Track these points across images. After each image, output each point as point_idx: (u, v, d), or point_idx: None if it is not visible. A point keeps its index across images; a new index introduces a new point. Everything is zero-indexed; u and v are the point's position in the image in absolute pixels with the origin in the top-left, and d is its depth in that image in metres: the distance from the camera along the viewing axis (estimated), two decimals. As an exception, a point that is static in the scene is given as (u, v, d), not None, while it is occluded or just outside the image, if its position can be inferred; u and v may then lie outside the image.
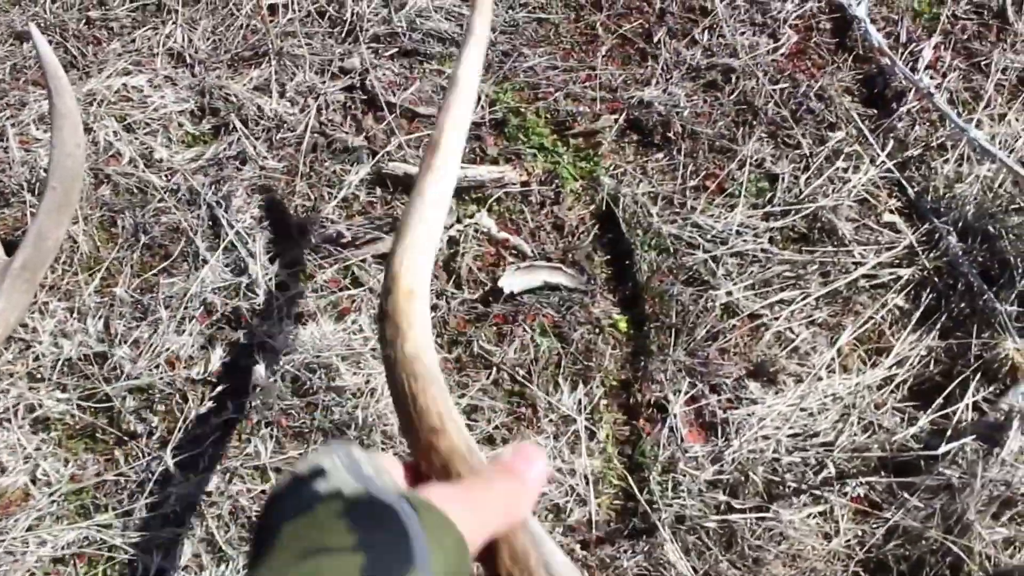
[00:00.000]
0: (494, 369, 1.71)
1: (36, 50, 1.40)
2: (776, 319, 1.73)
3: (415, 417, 0.75)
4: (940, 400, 1.63)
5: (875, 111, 1.99)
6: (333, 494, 0.54)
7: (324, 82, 1.98)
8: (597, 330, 1.75)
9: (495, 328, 1.75)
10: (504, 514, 0.66)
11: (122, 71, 2.03)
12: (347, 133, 1.91)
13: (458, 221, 1.83)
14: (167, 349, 1.68)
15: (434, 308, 1.75)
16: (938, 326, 1.71)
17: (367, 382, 1.65)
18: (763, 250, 1.81)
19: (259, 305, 1.72)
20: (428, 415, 0.75)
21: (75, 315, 1.73)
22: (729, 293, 1.75)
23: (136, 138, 1.91)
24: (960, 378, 1.64)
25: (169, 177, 1.87)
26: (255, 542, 0.55)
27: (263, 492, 1.63)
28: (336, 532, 0.51)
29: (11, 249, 1.48)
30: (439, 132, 1.03)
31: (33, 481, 1.62)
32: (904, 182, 1.87)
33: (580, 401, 1.69)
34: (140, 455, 1.63)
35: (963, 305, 1.70)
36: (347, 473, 0.56)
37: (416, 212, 0.95)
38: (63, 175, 1.47)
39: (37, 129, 1.94)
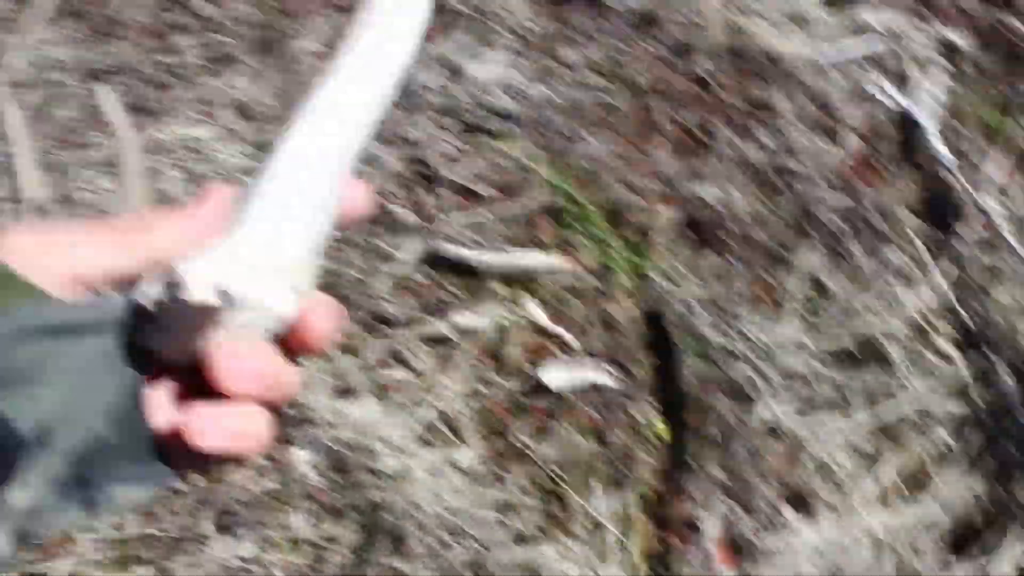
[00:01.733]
0: (531, 464, 1.69)
1: (106, 113, 1.41)
2: (817, 442, 1.71)
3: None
4: (978, 551, 1.60)
5: (936, 229, 1.96)
6: None
7: (384, 149, 1.97)
8: (636, 434, 1.74)
9: (535, 422, 1.74)
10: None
11: (189, 120, 2.03)
12: (403, 207, 1.90)
13: (506, 308, 1.81)
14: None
15: (475, 394, 1.74)
16: (985, 470, 1.68)
17: (404, 469, 1.64)
18: (809, 367, 1.78)
19: (305, 375, 1.72)
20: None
21: None
22: (770, 411, 1.72)
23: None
24: (1004, 530, 1.61)
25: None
26: None
27: (295, 564, 1.62)
28: None
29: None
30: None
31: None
32: (960, 309, 1.84)
33: (613, 508, 1.67)
34: (180, 511, 1.63)
35: (1014, 451, 1.67)
36: None
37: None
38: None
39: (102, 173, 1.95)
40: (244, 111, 2.11)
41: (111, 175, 1.99)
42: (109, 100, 1.39)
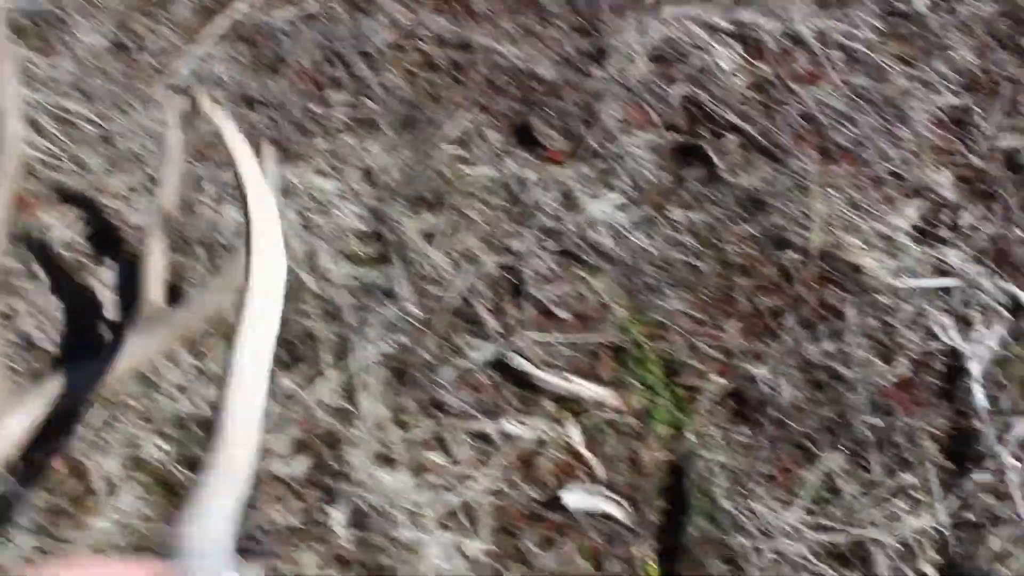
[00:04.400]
0: (529, 569, 1.98)
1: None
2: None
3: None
4: None
5: (953, 464, 2.22)
6: None
7: (484, 251, 2.29)
8: (631, 569, 2.01)
9: (545, 533, 2.02)
10: None
11: (319, 171, 2.37)
12: (488, 310, 2.21)
13: (550, 425, 2.10)
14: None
15: (500, 493, 2.03)
16: None
17: (419, 543, 1.94)
18: (802, 557, 2.05)
19: (355, 435, 2.03)
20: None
21: (199, 375, 2.06)
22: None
23: (309, 238, 2.25)
24: None
25: (322, 288, 2.19)
26: None
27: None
28: None
29: (174, 294, 1.89)
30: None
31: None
32: (951, 541, 2.10)
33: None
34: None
35: None
36: None
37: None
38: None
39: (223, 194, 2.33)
40: (370, 177, 2.45)
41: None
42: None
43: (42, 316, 2.18)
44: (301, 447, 2.02)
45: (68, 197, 2.44)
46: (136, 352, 1.98)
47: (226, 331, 2.04)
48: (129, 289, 2.21)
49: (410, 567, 1.91)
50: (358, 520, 1.96)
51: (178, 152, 2.14)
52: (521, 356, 2.16)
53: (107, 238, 2.36)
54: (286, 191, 2.32)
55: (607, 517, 2.07)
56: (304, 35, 2.72)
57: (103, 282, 2.22)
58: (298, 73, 2.66)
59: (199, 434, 2.02)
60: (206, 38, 2.76)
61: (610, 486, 2.10)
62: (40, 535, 1.92)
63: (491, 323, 2.18)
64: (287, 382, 2.06)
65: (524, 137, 2.49)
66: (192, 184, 2.33)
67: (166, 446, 2.01)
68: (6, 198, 1.98)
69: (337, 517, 1.97)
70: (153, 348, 2.01)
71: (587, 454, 2.10)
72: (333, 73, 2.66)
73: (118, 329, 2.16)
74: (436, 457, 2.04)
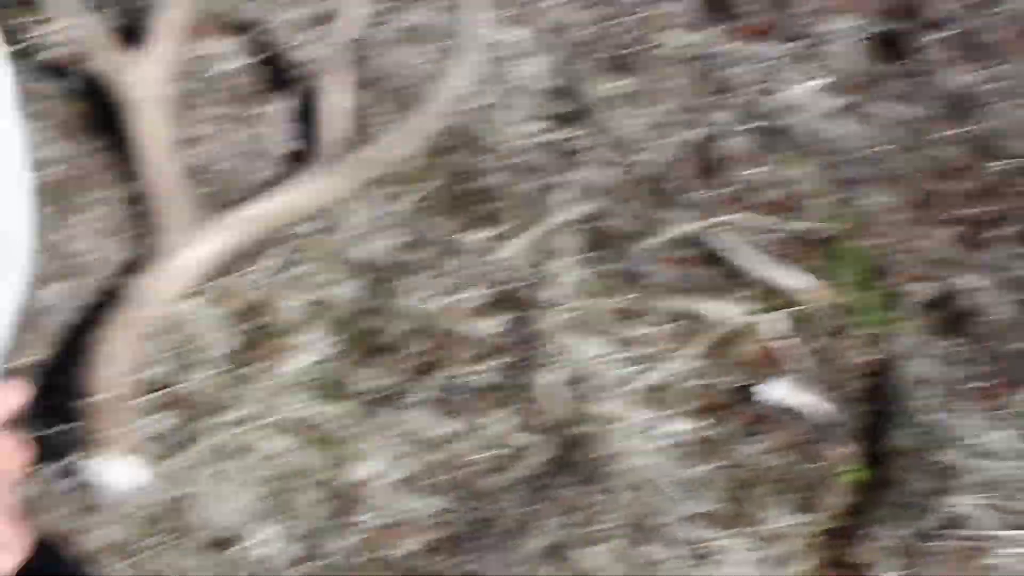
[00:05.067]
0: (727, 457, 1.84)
1: None
2: (998, 555, 1.80)
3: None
4: None
5: None
6: None
7: (679, 124, 2.13)
8: (828, 471, 1.85)
9: (741, 423, 1.87)
10: None
11: (508, 17, 2.20)
12: (684, 185, 2.04)
13: (753, 312, 1.94)
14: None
15: (699, 375, 1.88)
16: None
17: (616, 416, 1.84)
18: (1011, 479, 1.89)
19: (551, 298, 1.88)
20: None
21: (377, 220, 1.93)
22: (962, 505, 1.81)
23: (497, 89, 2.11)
24: None
25: (510, 144, 2.03)
26: None
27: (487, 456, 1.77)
28: None
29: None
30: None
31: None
32: None
33: (790, 528, 1.79)
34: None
35: None
36: None
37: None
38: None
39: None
40: (563, 31, 2.28)
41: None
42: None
43: (217, 144, 2.02)
44: (496, 305, 1.85)
45: (244, 26, 2.31)
46: (314, 191, 1.92)
47: (405, 177, 1.90)
48: (305, 125, 2.05)
49: (605, 441, 1.74)
50: (554, 385, 1.77)
51: None
52: (720, 236, 1.97)
53: (283, 71, 2.22)
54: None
55: (804, 415, 1.88)
56: None
57: (278, 113, 2.06)
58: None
59: (385, 281, 1.86)
60: None
61: (810, 382, 1.92)
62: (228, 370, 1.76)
63: (687, 198, 2.00)
64: (481, 238, 1.89)
65: (720, 5, 2.30)
66: (372, 22, 2.14)
67: (351, 289, 1.85)
68: (182, 22, 1.96)
69: (534, 381, 1.80)
70: (334, 188, 1.87)
71: (788, 345, 1.92)
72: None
73: (294, 165, 2.00)
74: (633, 330, 1.86)
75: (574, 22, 2.21)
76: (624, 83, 2.12)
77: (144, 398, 1.75)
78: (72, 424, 1.62)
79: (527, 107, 2.07)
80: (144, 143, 1.90)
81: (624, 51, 2.17)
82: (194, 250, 1.82)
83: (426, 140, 1.92)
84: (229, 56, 2.15)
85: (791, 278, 1.99)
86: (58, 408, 1.67)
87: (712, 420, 1.85)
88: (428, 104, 1.83)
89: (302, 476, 1.72)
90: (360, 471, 1.74)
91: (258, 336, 1.85)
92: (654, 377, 1.84)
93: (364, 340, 1.85)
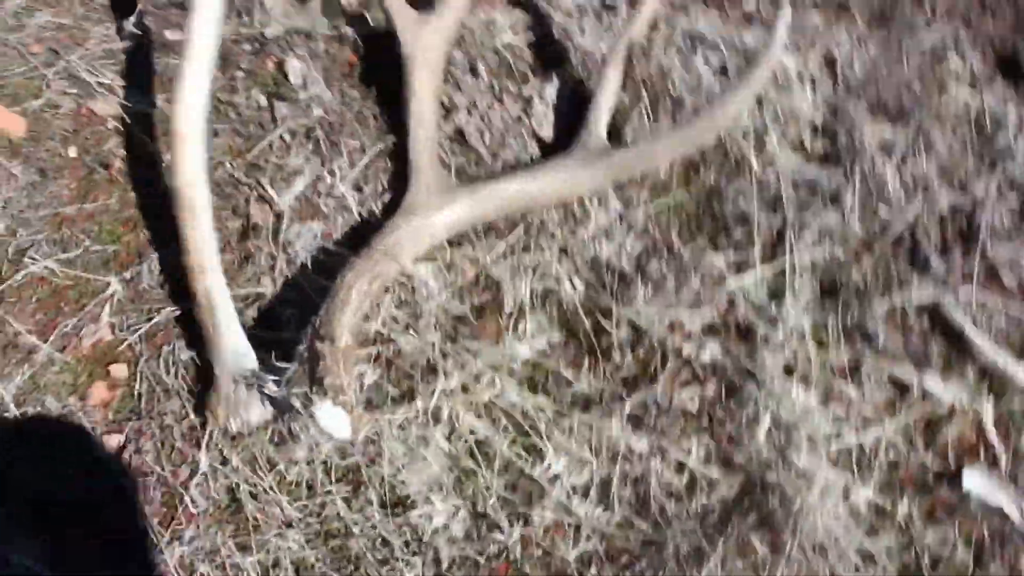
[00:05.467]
0: (906, 537, 1.84)
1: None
2: None
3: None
4: None
5: None
6: None
7: (942, 185, 2.07)
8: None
9: (931, 505, 1.85)
10: None
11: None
12: (934, 250, 2.00)
13: (969, 396, 1.90)
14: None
15: (896, 449, 1.90)
16: None
17: (808, 471, 1.87)
18: None
19: (771, 337, 1.90)
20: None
21: (622, 222, 1.99)
22: None
23: (762, 116, 2.11)
24: None
25: (766, 173, 2.02)
26: None
27: (671, 483, 1.81)
28: None
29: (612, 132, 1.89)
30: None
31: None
32: None
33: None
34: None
35: None
36: None
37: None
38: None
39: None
40: (833, 67, 2.25)
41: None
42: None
43: (477, 115, 2.08)
44: (711, 332, 1.87)
45: (521, 2, 2.34)
46: (568, 182, 1.95)
47: (657, 184, 1.91)
48: (572, 113, 2.09)
49: (793, 488, 1.76)
50: (754, 423, 1.83)
51: None
52: (959, 311, 1.92)
53: (560, 54, 2.25)
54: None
55: (1001, 513, 1.85)
56: None
57: (542, 96, 2.10)
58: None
59: (614, 285, 1.90)
60: None
61: (1013, 480, 1.87)
62: (446, 340, 1.88)
63: (935, 265, 1.95)
64: (719, 261, 1.90)
65: (1009, 69, 2.20)
66: (655, 25, 2.13)
67: (580, 286, 1.90)
68: None
69: (739, 416, 1.87)
70: (585, 183, 1.90)
71: (997, 440, 1.87)
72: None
73: (553, 151, 2.05)
74: (849, 390, 1.85)
75: (855, 60, 2.15)
76: (894, 131, 2.06)
77: (367, 350, 1.85)
78: (295, 359, 1.73)
79: (792, 138, 2.05)
80: (415, 102, 1.98)
81: (900, 99, 2.10)
82: (442, 215, 1.90)
83: (690, 153, 1.93)
84: (512, 30, 2.17)
85: (1021, 371, 1.93)
86: (287, 342, 1.79)
87: (906, 496, 1.83)
88: (702, 117, 1.82)
89: (490, 458, 1.80)
90: (546, 467, 1.80)
91: (482, 312, 1.92)
92: (859, 440, 1.82)
93: (581, 339, 1.90)
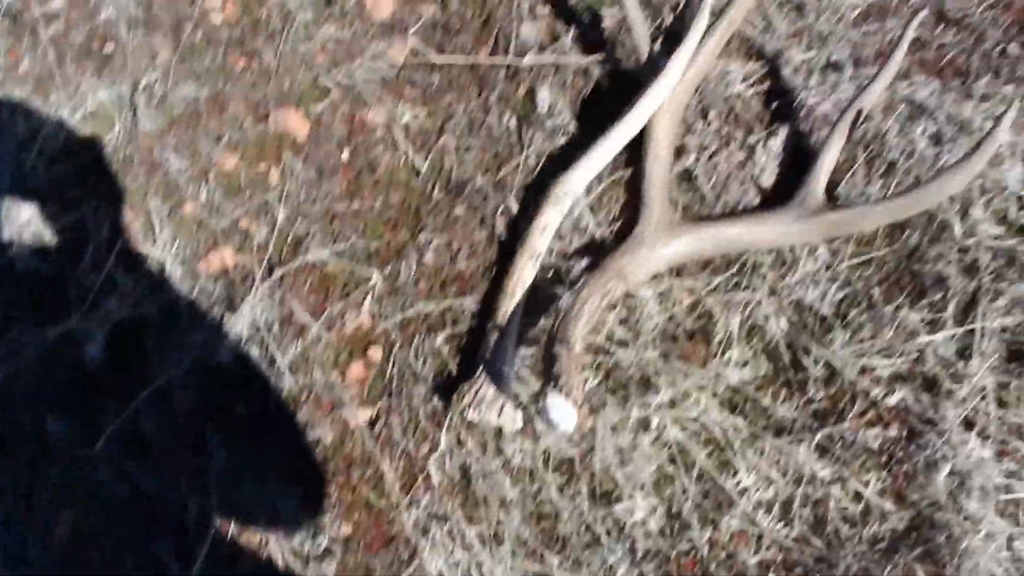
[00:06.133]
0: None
1: None
2: None
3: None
4: None
5: None
6: None
7: None
8: None
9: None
10: None
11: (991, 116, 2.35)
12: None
13: None
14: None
15: None
16: None
17: (977, 519, 2.03)
18: None
19: (956, 393, 2.11)
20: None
21: (828, 271, 2.28)
22: None
23: (971, 184, 2.28)
24: None
25: (967, 239, 2.23)
26: None
27: (836, 502, 2.06)
28: None
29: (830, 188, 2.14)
30: None
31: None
32: None
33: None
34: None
35: None
36: None
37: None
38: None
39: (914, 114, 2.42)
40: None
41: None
42: None
43: (705, 158, 2.35)
44: (900, 380, 2.11)
45: (754, 52, 2.57)
46: (782, 232, 2.19)
47: (864, 239, 2.14)
48: (785, 162, 2.34)
49: (959, 531, 1.98)
50: (931, 467, 2.05)
51: (899, 57, 2.25)
52: None
53: (789, 108, 2.47)
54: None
55: None
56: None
57: (765, 146, 2.35)
58: (1004, 3, 2.58)
59: (815, 327, 2.15)
60: None
61: None
62: (660, 358, 2.15)
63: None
64: (913, 317, 2.13)
65: None
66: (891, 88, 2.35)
67: (784, 324, 2.16)
68: (719, 40, 2.35)
69: (915, 457, 2.08)
70: (800, 236, 2.15)
71: None
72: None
73: (767, 196, 2.32)
74: (1022, 446, 2.05)
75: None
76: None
77: (593, 357, 2.18)
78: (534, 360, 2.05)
79: (996, 208, 2.25)
80: (653, 143, 2.28)
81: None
82: (668, 248, 2.20)
83: (901, 220, 2.17)
84: (743, 81, 2.44)
85: None
86: (531, 340, 2.11)
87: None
88: (916, 191, 2.04)
89: (688, 467, 2.10)
90: (737, 481, 2.10)
91: (694, 338, 2.22)
92: (1022, 494, 2.03)
93: (781, 371, 2.18)
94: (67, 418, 2.31)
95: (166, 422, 2.27)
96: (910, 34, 2.20)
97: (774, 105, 2.44)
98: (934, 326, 2.15)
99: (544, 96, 2.48)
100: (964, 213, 2.26)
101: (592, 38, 2.57)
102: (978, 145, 1.89)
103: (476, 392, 2.00)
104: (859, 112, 2.21)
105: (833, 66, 2.47)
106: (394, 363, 2.20)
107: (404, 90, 2.58)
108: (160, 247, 2.43)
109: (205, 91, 2.63)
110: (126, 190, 2.54)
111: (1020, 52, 2.48)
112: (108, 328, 2.40)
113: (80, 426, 2.33)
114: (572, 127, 2.42)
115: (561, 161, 2.33)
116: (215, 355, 2.30)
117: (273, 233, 2.40)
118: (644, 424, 2.10)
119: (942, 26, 2.53)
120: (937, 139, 2.31)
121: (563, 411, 1.81)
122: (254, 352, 2.26)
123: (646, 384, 2.13)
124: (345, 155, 2.51)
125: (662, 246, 2.14)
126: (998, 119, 1.85)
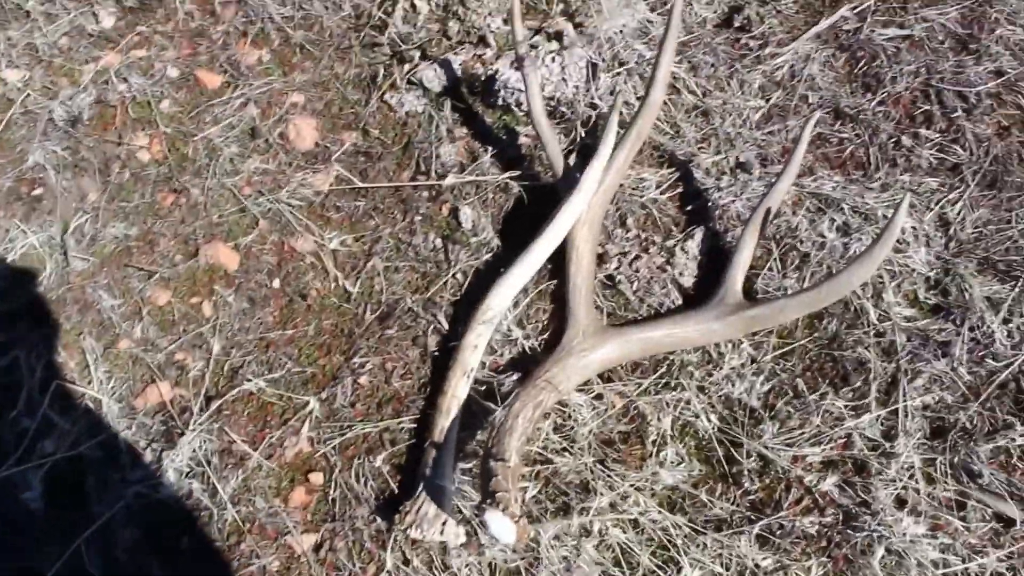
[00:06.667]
0: None
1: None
2: None
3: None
4: None
5: None
6: None
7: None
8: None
9: None
10: None
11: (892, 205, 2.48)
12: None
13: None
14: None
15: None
16: None
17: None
18: None
19: (885, 472, 2.17)
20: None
21: (752, 364, 2.36)
22: None
23: (879, 270, 2.44)
24: None
25: (882, 322, 2.33)
26: None
27: None
28: None
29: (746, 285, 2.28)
30: None
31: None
32: None
33: None
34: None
35: None
36: None
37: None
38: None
39: (821, 209, 2.44)
40: (947, 227, 2.53)
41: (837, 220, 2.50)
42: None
43: (626, 264, 2.44)
44: (831, 465, 2.17)
45: (666, 158, 2.71)
46: (705, 331, 2.26)
47: (784, 331, 2.23)
48: (703, 261, 2.44)
49: None
50: (868, 548, 2.11)
51: (800, 154, 2.37)
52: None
53: (702, 210, 2.58)
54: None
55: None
56: (904, 60, 2.81)
57: (684, 248, 2.45)
58: (893, 99, 2.74)
59: (744, 420, 2.22)
60: (807, 38, 2.90)
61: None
62: (596, 462, 2.24)
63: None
64: (838, 403, 2.21)
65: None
66: (797, 184, 2.46)
67: (715, 420, 2.23)
68: (629, 153, 2.44)
69: (852, 539, 2.14)
70: (722, 333, 2.24)
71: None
72: (928, 108, 2.73)
73: (689, 296, 2.42)
74: (954, 520, 2.12)
75: (966, 221, 2.45)
76: (1002, 289, 2.36)
77: (531, 468, 2.22)
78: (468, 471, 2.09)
79: (907, 291, 2.36)
80: (575, 253, 2.37)
81: (1009, 258, 2.40)
82: (596, 354, 2.27)
83: (817, 310, 2.26)
84: (658, 187, 2.55)
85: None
86: (469, 455, 2.16)
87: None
88: (829, 283, 2.13)
89: (634, 567, 2.13)
90: (683, 578, 2.13)
91: (629, 440, 2.27)
92: (964, 567, 2.09)
93: (716, 466, 2.23)
94: (7, 565, 2.28)
95: (110, 561, 2.25)
96: (808, 132, 2.32)
97: (689, 208, 2.54)
98: (858, 410, 2.22)
99: (467, 214, 2.56)
100: (877, 298, 2.36)
101: (509, 155, 2.67)
102: (881, 234, 1.98)
103: (418, 510, 2.03)
104: (769, 209, 2.31)
105: (741, 166, 2.58)
106: (336, 486, 2.22)
107: (331, 216, 2.64)
108: (96, 385, 2.44)
109: (135, 229, 2.67)
110: (60, 330, 2.56)
111: (912, 143, 2.62)
112: (45, 471, 2.38)
113: (21, 572, 2.30)
114: (496, 242, 2.50)
115: (488, 275, 2.38)
116: (157, 491, 2.30)
117: (209, 365, 2.42)
118: (586, 530, 2.13)
119: (839, 122, 2.67)
120: (845, 230, 2.42)
121: (502, 526, 1.83)
122: (196, 485, 2.27)
123: (585, 489, 2.17)
124: (276, 284, 2.56)
125: (590, 353, 2.21)
126: (896, 208, 1.95)
